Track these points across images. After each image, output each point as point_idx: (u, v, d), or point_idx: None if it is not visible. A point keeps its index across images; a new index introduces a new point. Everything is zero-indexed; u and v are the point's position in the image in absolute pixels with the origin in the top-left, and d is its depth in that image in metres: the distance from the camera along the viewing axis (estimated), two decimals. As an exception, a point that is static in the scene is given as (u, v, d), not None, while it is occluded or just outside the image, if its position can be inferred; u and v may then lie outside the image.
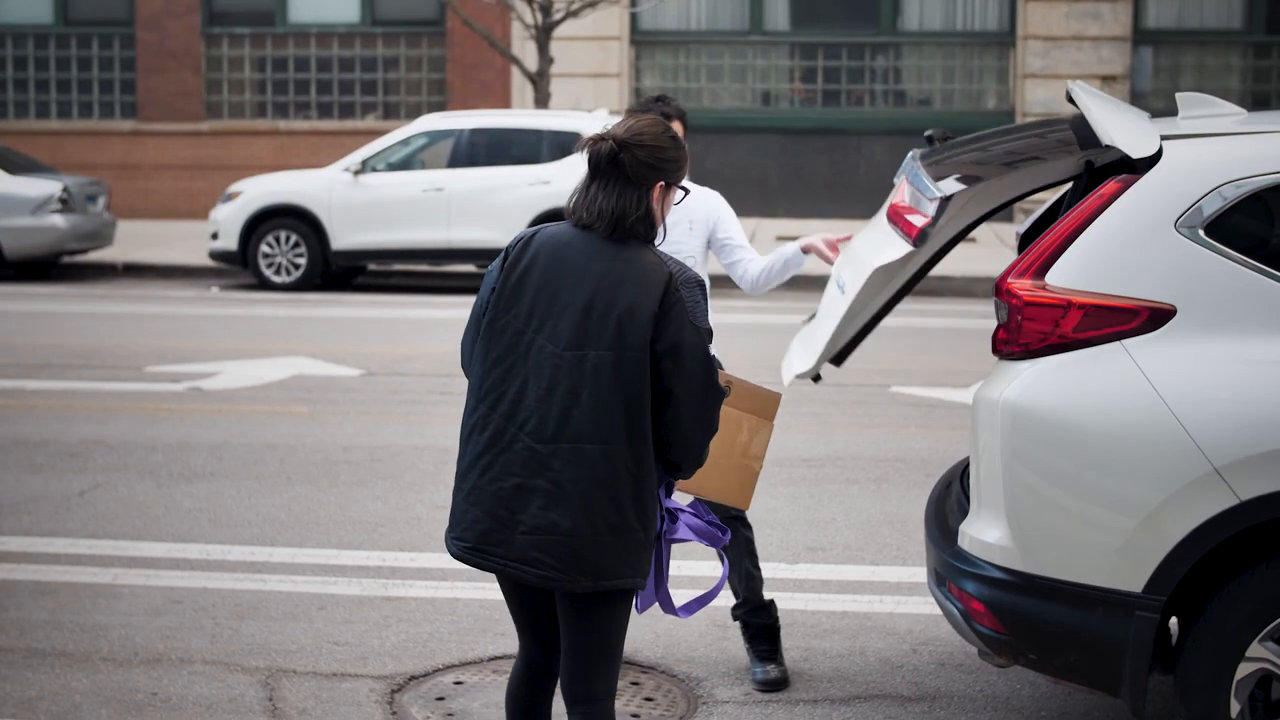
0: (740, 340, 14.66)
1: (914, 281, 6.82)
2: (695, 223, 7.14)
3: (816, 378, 6.99)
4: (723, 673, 6.93)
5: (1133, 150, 5.47)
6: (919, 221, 5.82)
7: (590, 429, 4.67)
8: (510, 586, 4.96)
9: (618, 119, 5.14)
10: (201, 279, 21.74)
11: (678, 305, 4.72)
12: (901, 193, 6.19)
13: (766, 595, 6.98)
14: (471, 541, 4.79)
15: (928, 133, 6.62)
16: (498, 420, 4.77)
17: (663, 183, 4.85)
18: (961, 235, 6.51)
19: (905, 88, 27.08)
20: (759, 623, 6.93)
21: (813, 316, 7.03)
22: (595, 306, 4.71)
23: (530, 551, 4.70)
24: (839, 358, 7.12)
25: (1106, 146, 5.59)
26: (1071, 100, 6.05)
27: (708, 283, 5.00)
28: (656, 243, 4.88)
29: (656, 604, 5.01)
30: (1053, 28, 26.14)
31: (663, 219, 4.89)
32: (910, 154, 6.19)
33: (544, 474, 4.69)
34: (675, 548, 5.30)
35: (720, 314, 5.27)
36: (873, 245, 6.20)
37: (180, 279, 21.89)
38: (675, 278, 4.75)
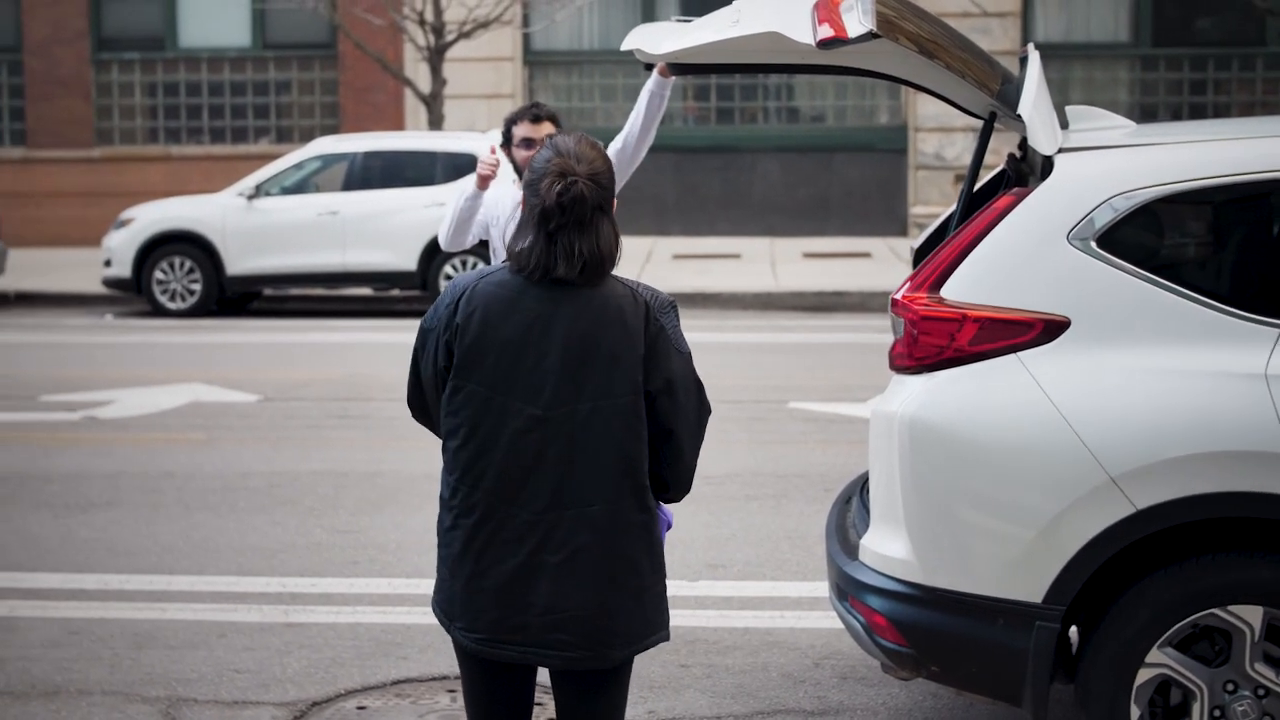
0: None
1: (801, 69, 6.48)
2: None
3: (650, 66, 6.92)
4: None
5: (1035, 138, 5.48)
6: (833, 33, 5.48)
7: (589, 490, 4.30)
8: (486, 672, 4.52)
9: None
10: (95, 307, 21.49)
11: (662, 337, 4.34)
12: None
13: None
14: (484, 632, 4.36)
15: None
16: (484, 498, 4.34)
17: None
18: (859, 72, 6.20)
19: (798, 104, 27.18)
20: None
21: (687, 20, 6.81)
22: (572, 356, 4.28)
23: (549, 634, 4.32)
24: (682, 68, 6.96)
25: (1017, 115, 5.56)
26: (1022, 62, 6.00)
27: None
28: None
29: None
30: (943, 43, 26.26)
31: None
32: None
33: (547, 548, 4.30)
34: None
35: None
36: (787, 12, 5.81)
37: (73, 307, 21.63)
38: (652, 307, 4.36)
